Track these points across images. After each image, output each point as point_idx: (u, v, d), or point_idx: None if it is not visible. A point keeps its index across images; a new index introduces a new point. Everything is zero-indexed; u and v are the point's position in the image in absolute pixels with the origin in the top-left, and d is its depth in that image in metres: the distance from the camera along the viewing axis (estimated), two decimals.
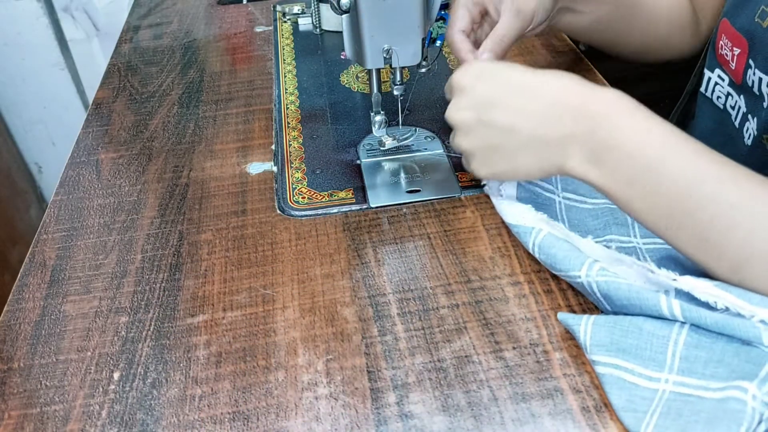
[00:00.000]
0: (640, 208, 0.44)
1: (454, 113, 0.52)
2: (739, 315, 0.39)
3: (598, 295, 0.44)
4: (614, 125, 0.44)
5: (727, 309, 0.39)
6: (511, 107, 0.48)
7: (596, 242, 0.49)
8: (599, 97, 0.46)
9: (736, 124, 0.62)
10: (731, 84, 0.62)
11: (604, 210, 0.53)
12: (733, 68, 0.61)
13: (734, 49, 0.60)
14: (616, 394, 0.39)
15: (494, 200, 0.54)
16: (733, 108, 0.63)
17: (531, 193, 0.54)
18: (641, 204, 0.43)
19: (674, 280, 0.41)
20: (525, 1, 0.60)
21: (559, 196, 0.54)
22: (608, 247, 0.48)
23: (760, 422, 0.36)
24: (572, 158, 0.46)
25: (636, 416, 0.38)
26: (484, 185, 0.56)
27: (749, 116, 0.59)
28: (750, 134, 0.60)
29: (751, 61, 0.58)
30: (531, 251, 0.49)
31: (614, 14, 0.70)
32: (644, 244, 0.49)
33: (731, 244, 0.41)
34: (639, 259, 0.49)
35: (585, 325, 0.42)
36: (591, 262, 0.44)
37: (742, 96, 0.61)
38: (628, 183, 0.43)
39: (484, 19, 0.63)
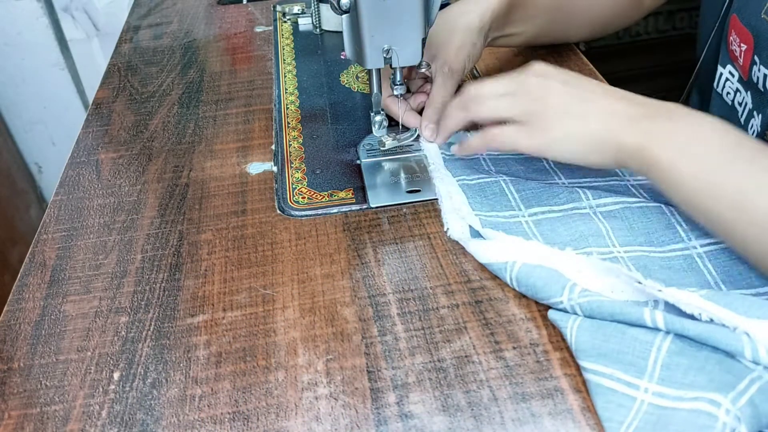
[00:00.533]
0: (683, 173, 0.45)
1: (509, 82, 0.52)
2: (723, 326, 0.38)
3: (582, 316, 0.43)
4: (675, 111, 0.47)
5: (711, 321, 0.39)
6: (576, 86, 0.51)
7: (577, 253, 0.47)
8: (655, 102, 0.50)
9: (742, 121, 0.62)
10: (740, 80, 0.62)
11: (574, 216, 0.51)
12: (741, 64, 0.61)
13: (741, 45, 0.60)
14: (597, 399, 0.39)
15: (464, 243, 0.52)
16: (740, 104, 0.63)
17: (494, 226, 0.52)
18: (684, 170, 0.45)
19: (660, 291, 0.41)
20: (455, 60, 0.62)
21: (525, 216, 0.52)
22: (589, 255, 0.48)
23: None
24: (632, 127, 0.47)
25: (612, 425, 0.38)
26: (448, 230, 0.53)
27: (754, 113, 0.60)
28: (754, 131, 0.60)
29: (756, 58, 0.58)
30: (510, 285, 0.48)
31: (551, 21, 0.71)
32: (625, 252, 0.48)
33: (760, 203, 0.42)
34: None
35: (571, 328, 0.42)
36: (571, 285, 0.44)
37: (749, 92, 0.61)
38: (679, 148, 0.45)
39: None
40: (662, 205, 0.51)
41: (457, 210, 0.53)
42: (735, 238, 0.44)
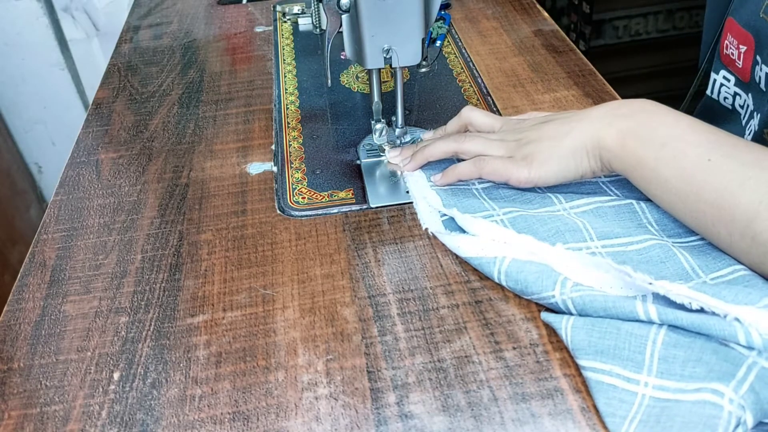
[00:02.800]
0: (666, 171, 0.46)
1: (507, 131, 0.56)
2: (714, 314, 0.39)
3: (574, 312, 0.43)
4: (651, 109, 0.49)
5: (702, 309, 0.39)
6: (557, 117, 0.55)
7: (567, 248, 0.47)
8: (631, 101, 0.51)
9: (744, 122, 0.63)
10: (738, 83, 0.62)
11: (552, 217, 0.51)
12: (740, 66, 0.61)
13: (740, 47, 0.60)
14: (598, 396, 0.39)
15: (443, 238, 0.52)
16: (741, 107, 0.63)
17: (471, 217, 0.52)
18: (668, 167, 0.45)
19: (650, 284, 0.41)
20: None
21: (499, 214, 0.52)
22: (578, 251, 0.48)
23: (737, 426, 0.36)
24: (611, 128, 0.49)
25: (615, 421, 0.38)
26: (427, 228, 0.54)
27: (755, 113, 0.60)
28: (751, 131, 0.60)
29: (758, 57, 0.58)
30: (498, 281, 0.48)
31: None
32: (603, 248, 0.48)
33: (742, 200, 0.42)
34: None
35: (565, 328, 0.42)
36: (563, 279, 0.44)
37: (749, 94, 0.61)
38: (661, 145, 0.46)
39: None
40: (633, 203, 0.52)
41: (433, 206, 0.54)
42: (720, 238, 0.44)
